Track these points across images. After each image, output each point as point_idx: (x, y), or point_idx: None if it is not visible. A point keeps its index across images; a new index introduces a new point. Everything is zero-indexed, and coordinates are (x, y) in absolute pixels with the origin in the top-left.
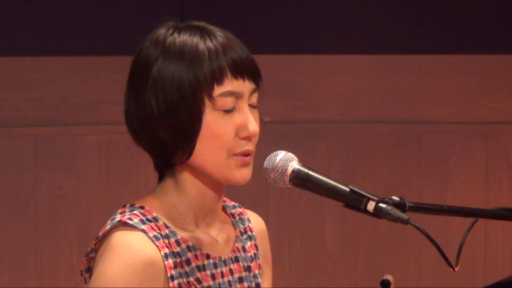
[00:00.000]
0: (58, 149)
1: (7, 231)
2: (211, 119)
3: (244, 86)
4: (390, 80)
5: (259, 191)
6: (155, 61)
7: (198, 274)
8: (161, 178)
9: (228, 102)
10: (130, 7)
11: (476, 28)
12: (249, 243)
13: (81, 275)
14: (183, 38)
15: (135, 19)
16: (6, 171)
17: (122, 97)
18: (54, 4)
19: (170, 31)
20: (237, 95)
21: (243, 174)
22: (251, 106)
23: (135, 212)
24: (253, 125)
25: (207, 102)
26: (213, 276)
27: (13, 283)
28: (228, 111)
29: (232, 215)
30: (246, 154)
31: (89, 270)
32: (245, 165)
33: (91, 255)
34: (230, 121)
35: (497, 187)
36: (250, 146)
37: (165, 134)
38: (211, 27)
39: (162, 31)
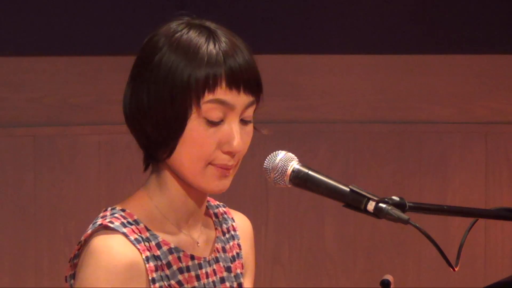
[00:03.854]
0: (58, 149)
1: (7, 231)
2: (194, 127)
3: (238, 98)
4: (390, 80)
5: (259, 191)
6: (158, 53)
7: (180, 277)
8: (145, 170)
9: (216, 112)
10: (130, 7)
11: (476, 28)
12: (231, 243)
13: (66, 281)
14: (190, 37)
15: (135, 19)
16: (6, 171)
17: (122, 97)
18: (54, 4)
19: (180, 27)
20: (227, 106)
21: (219, 185)
22: (244, 120)
23: (116, 215)
24: (238, 142)
25: (194, 108)
26: (197, 277)
27: (13, 283)
28: (214, 123)
29: (215, 214)
30: (225, 167)
31: (74, 276)
32: (222, 176)
33: (75, 261)
34: (214, 134)
35: (497, 187)
36: (230, 162)
37: (150, 128)
38: (219, 31)
39: (173, 25)
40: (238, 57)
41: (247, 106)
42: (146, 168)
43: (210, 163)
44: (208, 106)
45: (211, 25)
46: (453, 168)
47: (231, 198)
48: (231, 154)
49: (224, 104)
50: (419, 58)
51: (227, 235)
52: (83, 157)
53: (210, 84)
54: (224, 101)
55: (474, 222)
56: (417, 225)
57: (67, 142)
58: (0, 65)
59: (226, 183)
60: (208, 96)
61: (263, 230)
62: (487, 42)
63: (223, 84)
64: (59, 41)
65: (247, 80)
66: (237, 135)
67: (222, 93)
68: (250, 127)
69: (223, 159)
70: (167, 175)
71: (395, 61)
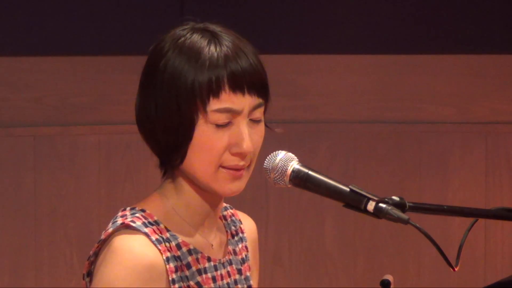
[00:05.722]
0: (58, 149)
1: (7, 231)
2: (202, 132)
3: (244, 101)
4: (390, 80)
5: (259, 191)
6: (163, 58)
7: (199, 278)
8: (163, 176)
9: (223, 117)
10: (130, 7)
11: (476, 28)
12: (240, 245)
13: (83, 278)
14: (193, 41)
15: (135, 19)
16: (6, 171)
17: (122, 97)
18: (54, 4)
19: (184, 32)
20: (234, 112)
21: (232, 188)
22: (253, 120)
23: (137, 215)
24: (247, 143)
25: (201, 114)
26: (214, 279)
27: (13, 283)
28: (222, 126)
29: (224, 217)
30: (237, 168)
31: (90, 274)
32: (235, 178)
33: (91, 259)
34: (222, 136)
35: (497, 187)
36: (241, 162)
37: (161, 135)
38: (223, 34)
39: (178, 31)
40: (240, 59)
41: (254, 108)
42: (164, 174)
43: (221, 166)
44: (215, 113)
45: (216, 28)
46: (453, 168)
47: (231, 198)
48: (241, 155)
49: (231, 111)
50: (419, 58)
51: (236, 238)
52: (83, 157)
53: (213, 88)
54: (230, 109)
55: (474, 222)
56: (417, 225)
57: (67, 142)
58: (0, 65)
59: (239, 185)
60: (214, 104)
61: (263, 230)
62: (487, 42)
63: (226, 88)
64: (59, 41)
65: (250, 82)
66: (246, 137)
67: (227, 97)
68: (260, 127)
69: (233, 160)
70: (182, 180)
71: (395, 61)
